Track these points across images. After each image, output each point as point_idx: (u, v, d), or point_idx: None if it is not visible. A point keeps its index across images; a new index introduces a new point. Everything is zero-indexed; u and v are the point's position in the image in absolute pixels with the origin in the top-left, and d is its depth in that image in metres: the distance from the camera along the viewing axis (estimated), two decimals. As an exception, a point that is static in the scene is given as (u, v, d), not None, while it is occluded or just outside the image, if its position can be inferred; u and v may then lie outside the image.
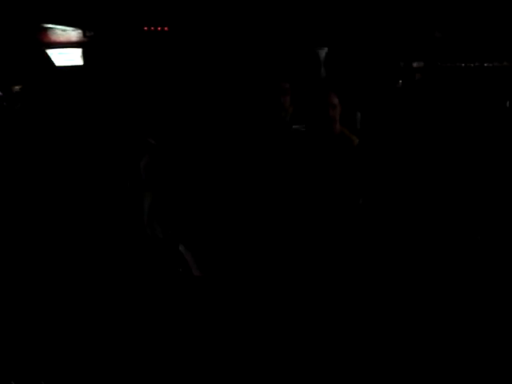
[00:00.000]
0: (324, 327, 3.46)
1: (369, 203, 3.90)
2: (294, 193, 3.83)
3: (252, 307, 3.64)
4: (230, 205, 3.95)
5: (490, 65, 6.94)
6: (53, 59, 6.66)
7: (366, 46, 6.89)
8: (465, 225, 4.44)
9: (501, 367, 3.04)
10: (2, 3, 6.26)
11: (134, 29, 6.94)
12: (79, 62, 7.36)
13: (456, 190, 4.85)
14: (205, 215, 3.76)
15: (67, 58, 7.21)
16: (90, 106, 5.91)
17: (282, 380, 3.09)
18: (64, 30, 7.26)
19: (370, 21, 6.84)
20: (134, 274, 3.91)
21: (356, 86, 6.50)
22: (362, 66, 6.80)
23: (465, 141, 5.35)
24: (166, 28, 6.98)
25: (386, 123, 5.76)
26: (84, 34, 7.39)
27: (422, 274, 3.84)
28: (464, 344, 3.24)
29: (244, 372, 3.15)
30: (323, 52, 6.96)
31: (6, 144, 5.17)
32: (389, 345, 3.29)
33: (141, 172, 3.74)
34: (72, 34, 7.34)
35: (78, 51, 7.33)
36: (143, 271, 3.85)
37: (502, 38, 7.00)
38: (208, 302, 3.61)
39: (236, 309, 3.62)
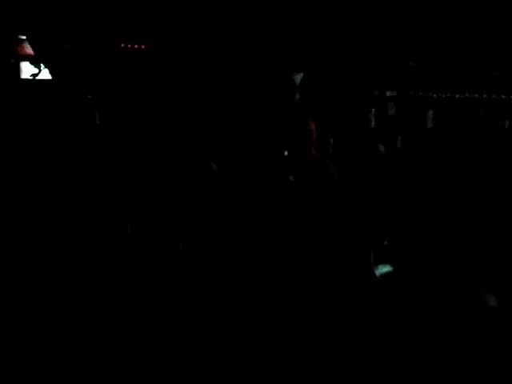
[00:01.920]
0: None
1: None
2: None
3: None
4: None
5: (462, 96, 7.08)
6: (23, 71, 6.58)
7: (340, 73, 6.96)
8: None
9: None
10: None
11: (110, 45, 6.91)
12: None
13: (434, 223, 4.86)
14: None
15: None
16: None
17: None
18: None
19: (346, 49, 6.93)
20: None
21: (330, 112, 6.56)
22: (336, 92, 6.87)
23: (435, 165, 5.40)
24: (142, 46, 6.97)
25: (358, 150, 5.80)
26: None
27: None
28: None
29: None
30: (298, 77, 7.02)
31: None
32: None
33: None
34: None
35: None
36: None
37: (474, 69, 7.17)
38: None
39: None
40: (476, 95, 7.01)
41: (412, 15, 6.74)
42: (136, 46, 6.92)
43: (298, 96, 7.00)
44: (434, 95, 6.97)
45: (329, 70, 6.98)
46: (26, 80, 6.51)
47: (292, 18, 6.77)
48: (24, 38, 6.50)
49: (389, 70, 6.77)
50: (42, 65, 6.50)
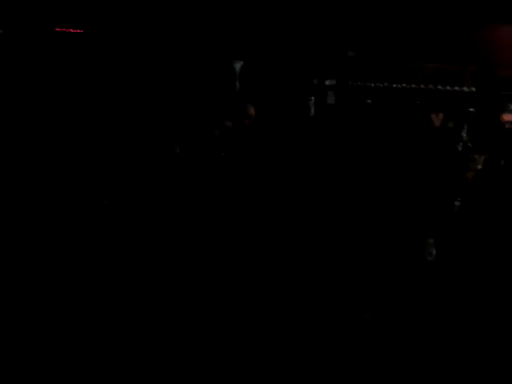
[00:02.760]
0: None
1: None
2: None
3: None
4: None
5: (399, 86, 7.20)
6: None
7: (281, 61, 6.97)
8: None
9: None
10: None
11: (45, 29, 6.73)
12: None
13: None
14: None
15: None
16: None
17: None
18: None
19: (286, 38, 6.94)
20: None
21: (269, 100, 6.56)
22: (276, 80, 6.89)
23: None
24: (79, 30, 6.81)
25: (297, 137, 5.84)
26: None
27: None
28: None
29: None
30: (238, 65, 6.99)
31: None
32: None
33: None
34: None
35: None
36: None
37: (411, 60, 7.30)
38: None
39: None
40: (413, 85, 7.13)
41: (351, 5, 6.81)
42: (72, 30, 6.76)
43: (238, 84, 6.99)
44: (372, 85, 7.07)
45: (269, 59, 6.99)
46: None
47: (232, 7, 6.74)
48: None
49: (328, 59, 6.82)
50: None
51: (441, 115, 5.80)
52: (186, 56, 6.70)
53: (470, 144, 6.74)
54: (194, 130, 4.96)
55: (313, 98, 6.84)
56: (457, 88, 7.29)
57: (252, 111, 4.55)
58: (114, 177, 4.48)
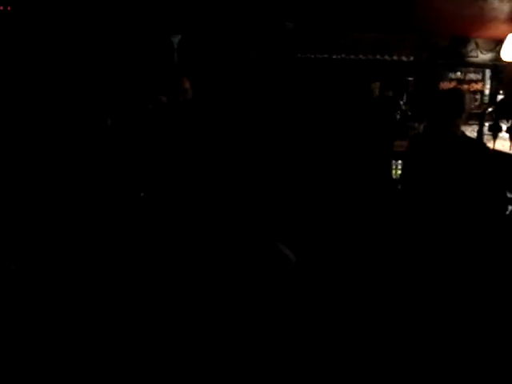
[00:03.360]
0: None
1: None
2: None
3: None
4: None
5: (338, 57, 7.20)
6: None
7: (219, 34, 6.89)
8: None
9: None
10: None
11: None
12: None
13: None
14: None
15: None
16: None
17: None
18: None
19: (224, 10, 6.85)
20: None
21: (208, 74, 6.48)
22: (215, 54, 6.81)
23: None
24: (8, 8, 6.56)
25: (237, 111, 5.81)
26: None
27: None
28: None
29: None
30: (176, 39, 6.88)
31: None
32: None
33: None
34: None
35: None
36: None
37: (349, 31, 7.30)
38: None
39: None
40: (352, 56, 7.14)
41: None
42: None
43: (176, 57, 6.88)
44: (312, 56, 7.04)
45: (207, 32, 6.89)
46: None
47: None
48: None
49: (266, 31, 6.76)
50: None
51: (378, 84, 5.83)
52: (122, 29, 6.55)
53: (409, 113, 6.82)
54: (128, 103, 4.89)
55: (252, 70, 6.79)
56: (395, 58, 7.33)
57: (187, 85, 4.50)
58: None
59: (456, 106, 4.27)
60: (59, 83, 5.61)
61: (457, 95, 4.34)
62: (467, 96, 4.38)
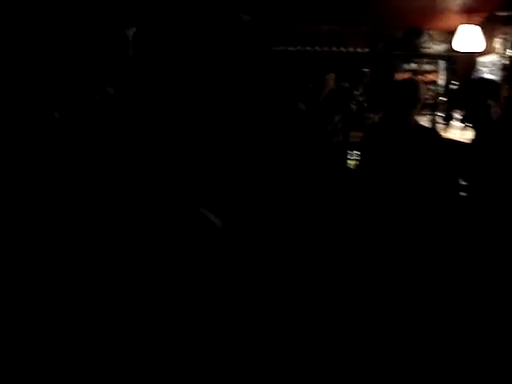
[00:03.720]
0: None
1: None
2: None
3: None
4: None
5: (294, 49, 7.22)
6: None
7: (175, 27, 6.83)
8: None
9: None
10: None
11: None
12: None
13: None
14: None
15: None
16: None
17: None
18: None
19: (180, 2, 6.79)
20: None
21: (165, 67, 6.43)
22: (170, 46, 6.75)
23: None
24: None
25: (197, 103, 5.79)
26: None
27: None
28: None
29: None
30: (131, 31, 6.79)
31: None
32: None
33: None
34: None
35: None
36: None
37: (305, 22, 7.32)
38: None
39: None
40: (308, 48, 7.17)
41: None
42: None
43: (131, 51, 6.79)
44: (268, 48, 7.04)
45: (163, 25, 6.82)
46: None
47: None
48: None
49: (222, 23, 6.73)
50: None
51: (333, 75, 5.86)
52: (72, 22, 6.43)
53: (365, 104, 6.88)
54: (75, 95, 4.83)
55: (210, 64, 6.75)
56: (351, 49, 7.38)
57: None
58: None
59: (411, 97, 4.33)
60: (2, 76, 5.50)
61: (411, 86, 4.40)
62: (422, 86, 4.45)
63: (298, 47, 7.23)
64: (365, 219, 4.42)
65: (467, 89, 4.29)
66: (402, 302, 3.98)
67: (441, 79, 7.72)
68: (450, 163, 4.28)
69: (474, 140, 4.15)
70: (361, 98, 6.95)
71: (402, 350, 3.44)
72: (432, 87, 7.58)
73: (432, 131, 4.48)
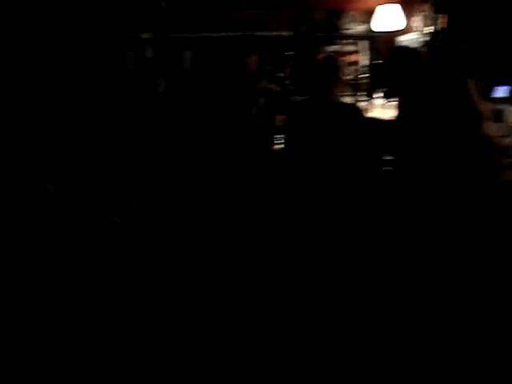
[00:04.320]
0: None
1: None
2: None
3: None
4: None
5: (217, 35, 7.15)
6: None
7: (93, 16, 6.64)
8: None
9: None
10: None
11: None
12: None
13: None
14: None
15: None
16: None
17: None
18: None
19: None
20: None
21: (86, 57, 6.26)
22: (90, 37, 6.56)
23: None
24: None
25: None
26: None
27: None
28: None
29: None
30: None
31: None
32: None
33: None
34: None
35: None
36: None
37: (227, 8, 7.26)
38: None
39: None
40: (231, 33, 7.11)
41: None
42: None
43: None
44: (190, 35, 6.95)
45: (81, 11, 6.62)
46: None
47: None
48: None
49: (141, 11, 6.59)
50: None
51: (255, 58, 5.84)
52: None
53: (290, 87, 6.89)
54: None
55: (131, 52, 6.62)
56: (275, 33, 7.38)
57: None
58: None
59: (330, 73, 4.35)
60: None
61: (330, 63, 4.41)
62: (341, 63, 4.47)
63: (222, 33, 7.16)
64: (292, 199, 4.43)
65: (387, 60, 4.31)
66: (332, 281, 4.02)
67: (363, 59, 7.81)
68: (371, 138, 4.33)
69: (398, 114, 4.20)
70: (286, 82, 6.96)
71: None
72: (355, 68, 7.66)
73: (353, 107, 4.51)
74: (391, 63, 4.18)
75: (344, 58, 7.71)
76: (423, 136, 3.93)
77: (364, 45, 7.88)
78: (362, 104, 6.59)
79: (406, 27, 7.33)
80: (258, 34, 7.36)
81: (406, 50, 4.39)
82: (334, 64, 4.35)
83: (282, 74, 6.85)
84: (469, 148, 2.40)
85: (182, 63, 6.90)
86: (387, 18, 7.25)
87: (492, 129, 6.00)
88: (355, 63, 7.77)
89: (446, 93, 2.73)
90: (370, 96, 6.42)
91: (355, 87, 7.09)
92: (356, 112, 4.44)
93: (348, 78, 7.37)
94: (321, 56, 4.61)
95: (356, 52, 7.86)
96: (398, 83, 4.17)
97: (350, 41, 7.87)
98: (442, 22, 7.37)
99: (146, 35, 6.85)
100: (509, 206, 3.53)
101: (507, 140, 5.21)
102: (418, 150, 3.98)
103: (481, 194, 3.49)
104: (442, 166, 3.78)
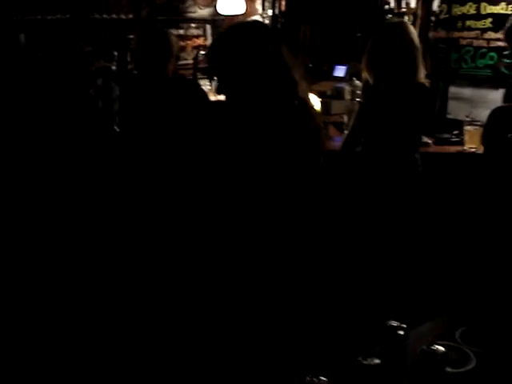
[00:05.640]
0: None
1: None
2: None
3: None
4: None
5: (52, 18, 6.77)
6: None
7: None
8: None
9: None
10: None
11: None
12: None
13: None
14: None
15: None
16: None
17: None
18: None
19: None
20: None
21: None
22: None
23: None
24: None
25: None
26: None
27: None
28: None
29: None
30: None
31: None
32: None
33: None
34: None
35: None
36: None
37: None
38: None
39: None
40: (68, 15, 6.79)
41: None
42: None
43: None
44: (26, 18, 6.54)
45: None
46: None
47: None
48: None
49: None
50: None
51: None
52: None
53: (135, 71, 6.70)
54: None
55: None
56: (115, 16, 7.16)
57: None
58: None
59: (162, 47, 4.26)
60: None
61: (161, 37, 4.32)
62: (172, 36, 4.39)
63: (58, 16, 6.77)
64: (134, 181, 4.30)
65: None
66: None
67: (209, 43, 7.80)
68: (209, 112, 4.29)
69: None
70: (130, 66, 6.76)
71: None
72: (201, 51, 7.62)
73: (191, 81, 4.45)
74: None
75: (190, 42, 7.67)
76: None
77: (209, 28, 7.88)
78: (206, 87, 6.57)
79: (249, 10, 7.38)
80: (97, 16, 7.08)
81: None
82: (164, 38, 4.27)
83: (116, 53, 6.66)
84: (284, 114, 2.38)
85: (17, 47, 6.45)
86: (230, 2, 7.27)
87: (334, 107, 6.21)
88: (201, 47, 7.74)
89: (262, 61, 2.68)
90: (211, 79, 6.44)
91: (204, 71, 7.09)
92: (194, 87, 4.40)
93: (193, 61, 7.37)
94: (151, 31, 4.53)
95: (202, 36, 7.84)
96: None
97: (195, 24, 7.82)
98: (281, 4, 7.58)
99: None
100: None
101: (345, 117, 5.41)
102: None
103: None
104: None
